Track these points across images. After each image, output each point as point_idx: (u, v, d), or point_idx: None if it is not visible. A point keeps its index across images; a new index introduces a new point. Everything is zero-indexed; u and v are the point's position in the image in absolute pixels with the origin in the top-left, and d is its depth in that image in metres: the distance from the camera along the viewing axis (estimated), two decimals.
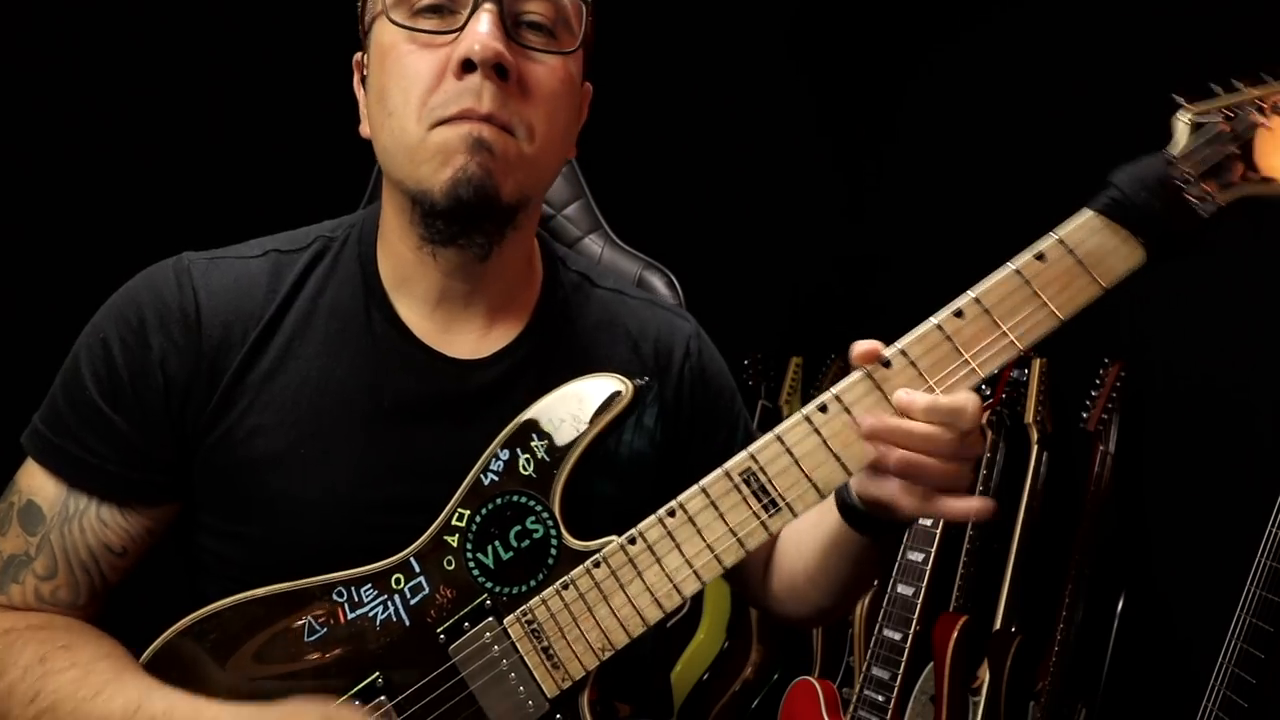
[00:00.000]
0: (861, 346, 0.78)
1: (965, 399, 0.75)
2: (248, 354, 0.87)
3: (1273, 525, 1.44)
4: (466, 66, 0.80)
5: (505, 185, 0.82)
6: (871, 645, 1.99)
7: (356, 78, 0.94)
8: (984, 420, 2.12)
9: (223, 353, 0.87)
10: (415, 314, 0.92)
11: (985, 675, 1.99)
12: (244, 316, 0.88)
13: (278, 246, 0.94)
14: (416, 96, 0.81)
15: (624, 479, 0.95)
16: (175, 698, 0.80)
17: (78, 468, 0.85)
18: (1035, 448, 2.08)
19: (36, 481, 0.86)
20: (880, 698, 1.93)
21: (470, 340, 0.93)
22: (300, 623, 0.83)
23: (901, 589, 1.98)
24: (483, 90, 0.80)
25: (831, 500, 0.88)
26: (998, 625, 2.01)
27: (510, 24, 0.83)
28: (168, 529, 0.91)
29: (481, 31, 0.79)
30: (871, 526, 0.86)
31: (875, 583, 2.07)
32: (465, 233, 0.86)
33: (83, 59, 1.59)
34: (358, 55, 0.93)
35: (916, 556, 1.97)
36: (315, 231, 0.97)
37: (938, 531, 1.97)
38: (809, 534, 0.96)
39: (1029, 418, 2.10)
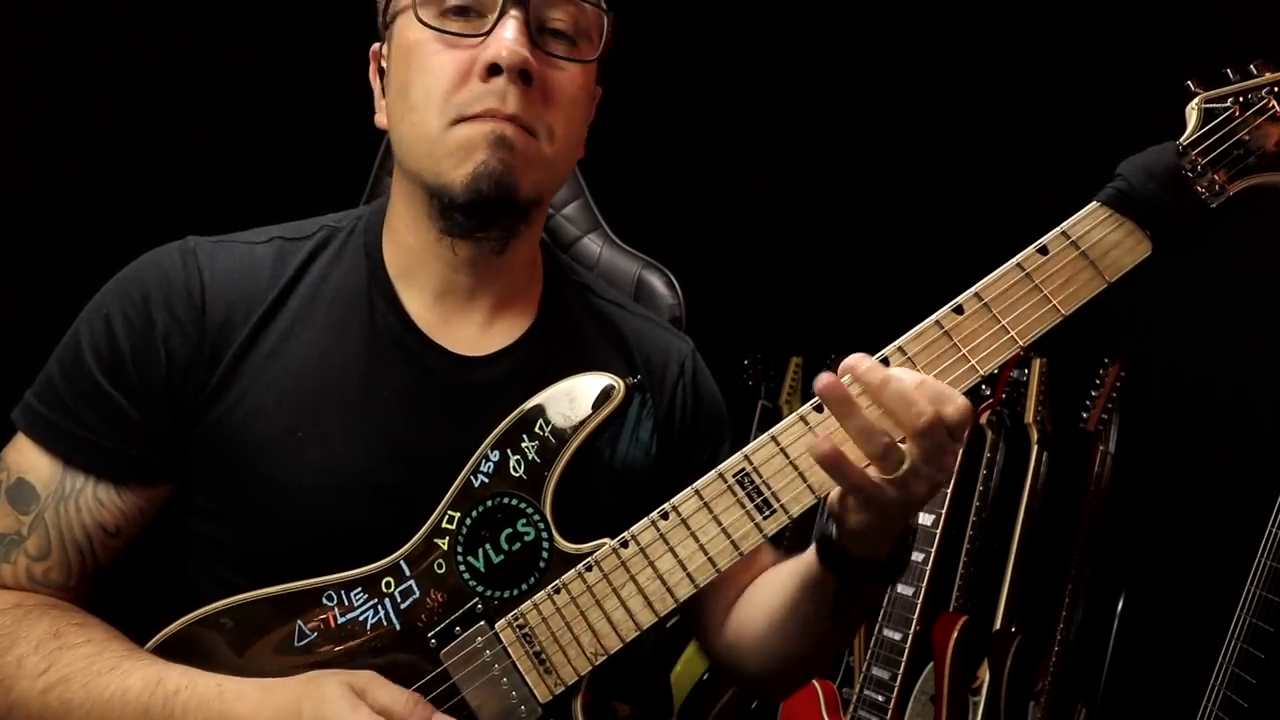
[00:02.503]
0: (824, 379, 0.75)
1: (954, 390, 0.74)
2: (249, 335, 0.87)
3: (1273, 525, 1.44)
4: (493, 70, 0.82)
5: (524, 181, 0.84)
6: (871, 645, 1.99)
7: (373, 68, 0.94)
8: (984, 420, 2.13)
9: (225, 333, 0.87)
10: (418, 304, 0.92)
11: (985, 675, 1.99)
12: (247, 298, 0.89)
13: (283, 234, 0.95)
14: (440, 93, 0.83)
15: (618, 487, 0.94)
16: (194, 673, 0.79)
17: (75, 444, 0.84)
18: (1035, 448, 2.08)
19: (29, 459, 0.85)
20: (880, 698, 1.93)
21: (469, 335, 0.93)
22: (290, 627, 0.82)
23: (901, 589, 1.97)
24: (508, 94, 0.82)
25: (811, 550, 0.87)
26: (998, 625, 2.00)
27: (535, 30, 0.84)
28: (160, 511, 0.90)
29: (509, 38, 0.81)
30: (845, 565, 0.82)
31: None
32: (483, 226, 0.87)
33: (91, 48, 1.58)
34: (375, 46, 0.94)
35: (916, 556, 1.96)
36: (321, 221, 0.98)
37: (938, 532, 1.96)
38: (782, 579, 0.94)
39: (1029, 418, 2.09)
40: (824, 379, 0.73)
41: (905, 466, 0.72)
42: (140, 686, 0.77)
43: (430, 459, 0.87)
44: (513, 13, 0.82)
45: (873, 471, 0.74)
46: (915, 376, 0.73)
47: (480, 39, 0.83)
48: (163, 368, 0.85)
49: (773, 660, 0.96)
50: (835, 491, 0.79)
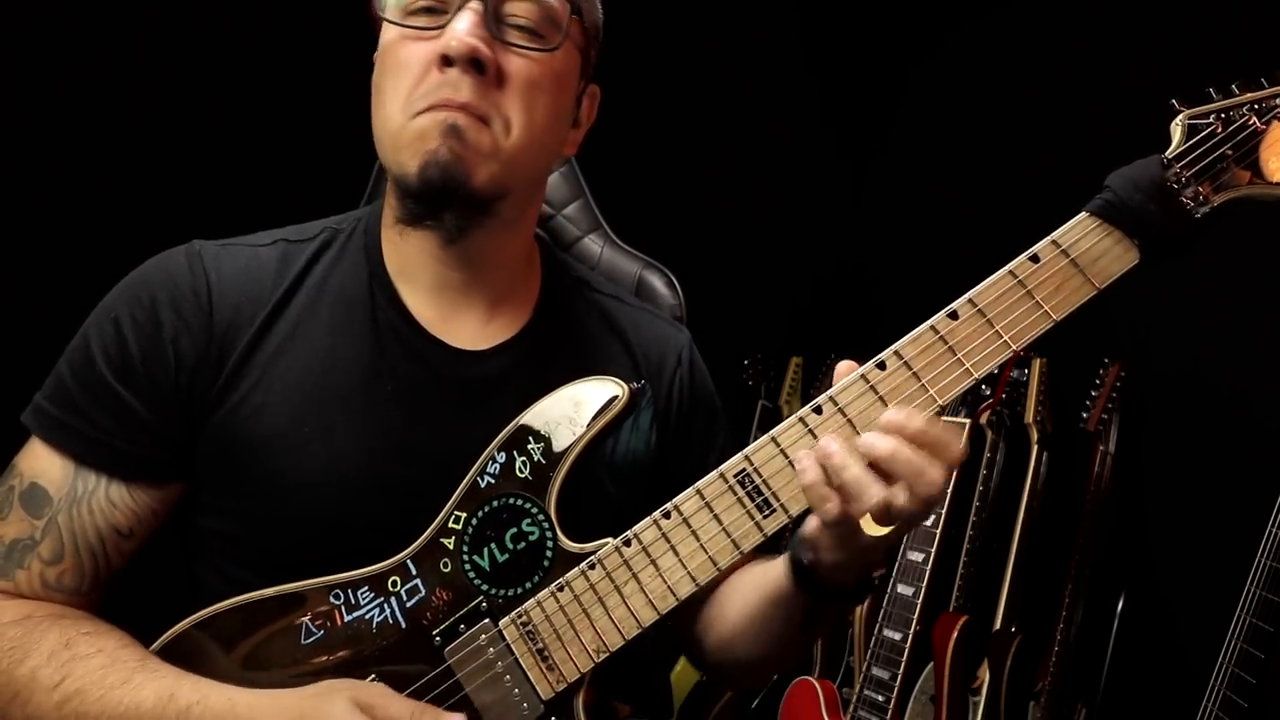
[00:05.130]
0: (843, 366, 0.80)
1: (948, 429, 0.76)
2: (255, 335, 0.89)
3: (1273, 525, 1.44)
4: (446, 61, 0.83)
5: (476, 173, 0.84)
6: (871, 645, 1.99)
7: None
8: (984, 420, 2.13)
9: (231, 334, 0.88)
10: (418, 301, 0.94)
11: (985, 675, 1.99)
12: (253, 300, 0.90)
13: (286, 236, 0.97)
14: (404, 88, 0.85)
15: (621, 481, 0.95)
16: (206, 687, 0.79)
17: (87, 444, 0.85)
18: (1035, 448, 2.09)
19: (41, 463, 0.86)
20: (880, 698, 1.93)
21: (470, 330, 0.94)
22: (297, 625, 0.84)
23: (901, 589, 1.98)
24: (460, 83, 0.83)
25: (783, 558, 0.89)
26: (998, 625, 2.01)
27: (494, 23, 0.85)
28: (171, 512, 0.91)
29: (460, 29, 0.83)
30: (819, 590, 0.85)
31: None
32: (433, 213, 0.88)
33: (96, 51, 1.59)
34: (376, 55, 0.95)
35: (916, 556, 1.97)
36: (323, 223, 0.99)
37: (938, 532, 1.97)
38: (751, 587, 0.95)
39: (1029, 418, 2.10)
40: (873, 444, 0.73)
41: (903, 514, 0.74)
42: (153, 701, 0.77)
43: (433, 453, 0.88)
44: (471, 5, 0.84)
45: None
46: (903, 410, 0.75)
47: (439, 32, 0.85)
48: (171, 369, 0.86)
49: (737, 659, 0.99)
50: (812, 524, 0.81)
